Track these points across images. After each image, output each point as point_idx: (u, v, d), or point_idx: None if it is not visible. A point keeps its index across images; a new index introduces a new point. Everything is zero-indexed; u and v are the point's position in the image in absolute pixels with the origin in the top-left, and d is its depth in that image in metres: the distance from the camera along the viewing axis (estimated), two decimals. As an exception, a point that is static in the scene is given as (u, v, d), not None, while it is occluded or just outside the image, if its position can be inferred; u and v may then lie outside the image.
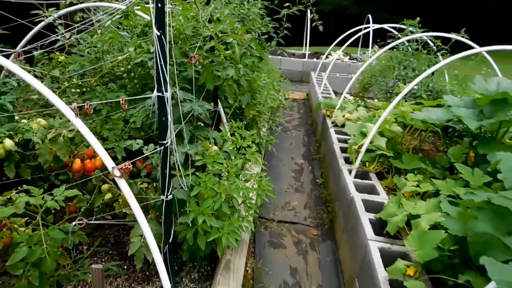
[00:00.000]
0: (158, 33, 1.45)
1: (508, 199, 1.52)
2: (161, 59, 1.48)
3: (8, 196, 1.78)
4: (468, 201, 1.70)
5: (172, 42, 2.23)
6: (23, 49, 2.77)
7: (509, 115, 2.79)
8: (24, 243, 1.64)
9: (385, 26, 8.03)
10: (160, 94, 1.56)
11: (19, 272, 1.60)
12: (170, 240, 1.74)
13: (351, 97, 6.37)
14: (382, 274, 1.90)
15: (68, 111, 1.49)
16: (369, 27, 8.51)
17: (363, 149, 3.16)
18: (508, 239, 1.40)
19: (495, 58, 4.47)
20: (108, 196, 2.20)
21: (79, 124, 1.50)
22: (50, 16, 2.92)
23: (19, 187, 1.83)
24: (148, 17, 2.77)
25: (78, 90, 2.81)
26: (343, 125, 4.52)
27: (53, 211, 2.01)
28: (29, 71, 1.70)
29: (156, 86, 1.57)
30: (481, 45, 3.56)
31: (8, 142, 2.08)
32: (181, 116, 1.97)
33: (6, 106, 2.31)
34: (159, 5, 1.41)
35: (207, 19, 2.58)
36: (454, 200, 2.15)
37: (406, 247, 1.99)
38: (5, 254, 1.84)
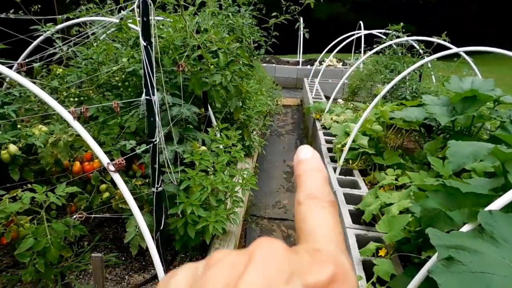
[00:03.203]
0: (145, 44, 1.65)
1: (458, 182, 1.71)
2: (148, 67, 1.69)
3: (14, 194, 1.98)
4: (428, 185, 1.89)
5: (161, 52, 2.45)
6: (24, 62, 2.98)
7: (479, 111, 2.99)
8: (31, 235, 1.82)
9: (374, 31, 8.28)
10: (148, 97, 1.76)
11: (26, 260, 1.78)
12: (161, 228, 1.92)
13: (342, 101, 6.58)
14: (356, 255, 2.08)
15: (67, 115, 1.69)
16: (360, 33, 8.77)
17: (346, 148, 3.36)
18: (452, 212, 1.58)
19: (480, 59, 4.69)
20: (106, 195, 2.39)
21: (77, 126, 1.70)
22: (48, 30, 3.13)
23: (24, 186, 2.02)
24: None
25: (76, 99, 3.01)
26: (331, 127, 4.72)
27: (54, 210, 2.20)
28: (33, 82, 1.90)
29: (144, 91, 1.77)
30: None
31: (13, 147, 2.28)
32: (169, 119, 2.17)
33: (10, 115, 2.51)
34: (145, 19, 1.61)
35: (195, 30, 2.79)
36: (423, 188, 2.34)
37: (378, 231, 2.18)
38: (12, 249, 2.03)
